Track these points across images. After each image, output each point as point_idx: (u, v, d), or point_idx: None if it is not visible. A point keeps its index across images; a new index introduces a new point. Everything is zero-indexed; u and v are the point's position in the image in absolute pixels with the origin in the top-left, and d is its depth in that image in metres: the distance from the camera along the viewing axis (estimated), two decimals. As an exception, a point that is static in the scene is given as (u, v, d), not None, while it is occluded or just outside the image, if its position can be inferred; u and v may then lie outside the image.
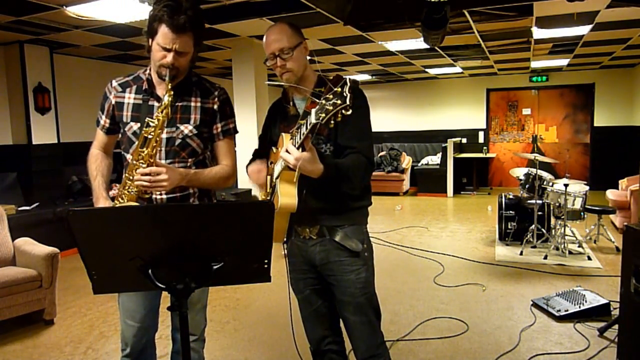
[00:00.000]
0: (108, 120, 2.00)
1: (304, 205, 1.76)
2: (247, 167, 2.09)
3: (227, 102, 2.00)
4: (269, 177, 1.94)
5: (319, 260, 1.89)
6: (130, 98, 1.94)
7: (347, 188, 1.79)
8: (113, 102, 1.96)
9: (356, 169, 1.75)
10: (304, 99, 1.89)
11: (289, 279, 2.04)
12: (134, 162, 1.81)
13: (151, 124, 1.79)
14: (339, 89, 1.43)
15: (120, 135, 2.00)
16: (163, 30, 1.75)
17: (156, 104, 1.89)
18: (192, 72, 1.96)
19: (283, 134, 1.81)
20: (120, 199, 1.86)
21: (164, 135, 1.86)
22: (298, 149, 1.59)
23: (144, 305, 1.99)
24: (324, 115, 1.43)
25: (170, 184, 1.77)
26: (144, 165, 1.77)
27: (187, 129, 1.90)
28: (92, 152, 2.06)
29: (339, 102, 1.41)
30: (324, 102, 1.45)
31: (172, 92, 1.79)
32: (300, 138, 1.58)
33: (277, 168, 1.79)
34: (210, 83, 2.01)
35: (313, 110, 1.48)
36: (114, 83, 1.98)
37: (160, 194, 1.88)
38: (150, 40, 1.82)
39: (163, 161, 1.87)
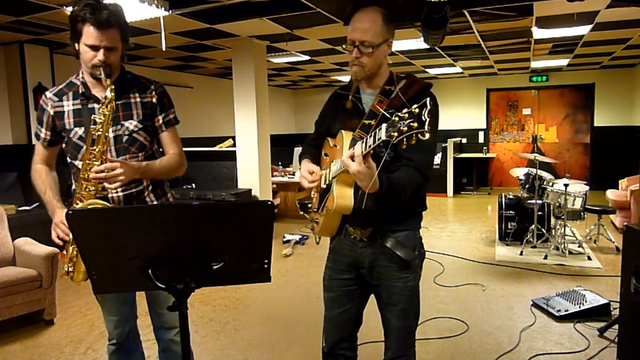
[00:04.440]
0: (49, 133, 2.00)
1: (358, 206, 1.69)
2: (300, 157, 2.04)
3: (165, 94, 2.05)
4: (324, 172, 1.87)
5: (368, 262, 1.84)
6: (69, 105, 1.95)
7: (393, 201, 1.70)
8: (52, 113, 1.96)
9: (408, 187, 1.67)
10: (373, 94, 1.78)
11: (323, 276, 1.99)
12: (87, 161, 1.86)
13: (98, 120, 1.84)
14: (417, 111, 1.31)
15: (64, 145, 2.00)
16: (88, 30, 1.77)
17: (96, 105, 1.92)
18: (125, 70, 1.99)
19: (343, 131, 1.74)
20: (78, 201, 1.90)
21: (111, 134, 1.91)
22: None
23: (118, 298, 2.08)
24: (396, 134, 1.33)
25: (126, 178, 1.83)
26: (97, 163, 1.83)
27: (131, 124, 1.96)
28: (35, 168, 2.07)
29: (415, 125, 1.31)
30: (396, 119, 1.35)
31: (113, 86, 1.83)
32: (365, 148, 1.49)
33: (336, 168, 1.72)
34: (145, 79, 2.05)
35: (384, 126, 1.39)
36: (49, 94, 1.98)
37: (117, 191, 1.93)
38: (76, 45, 1.83)
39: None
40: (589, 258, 4.99)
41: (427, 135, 1.31)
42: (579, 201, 5.07)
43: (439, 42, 4.56)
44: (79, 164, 1.94)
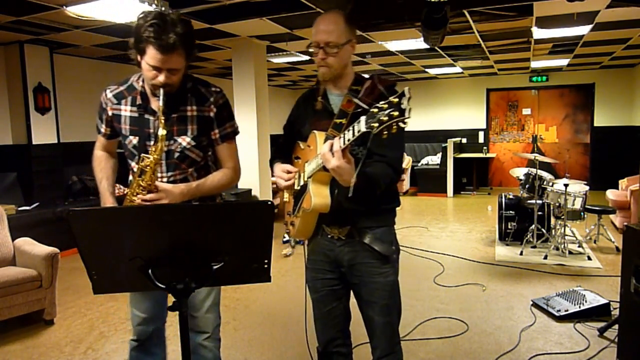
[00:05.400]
0: (109, 129, 2.02)
1: (335, 205, 1.73)
2: (271, 162, 2.05)
3: (225, 106, 1.95)
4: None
5: (347, 260, 1.86)
6: (126, 110, 1.92)
7: (369, 196, 1.74)
8: (110, 114, 1.95)
9: (382, 180, 1.72)
10: (341, 96, 1.81)
11: (306, 277, 2.02)
12: (135, 187, 1.84)
13: (146, 159, 1.81)
14: (396, 100, 1.36)
15: (122, 141, 2.00)
16: (151, 52, 1.68)
17: (151, 118, 1.88)
18: (186, 77, 1.88)
19: (316, 132, 1.75)
20: None
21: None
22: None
23: (149, 296, 2.03)
24: (376, 125, 1.37)
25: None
26: (145, 192, 1.81)
27: (184, 141, 1.88)
28: (95, 154, 2.08)
29: (395, 113, 1.35)
30: (376, 110, 1.39)
31: (165, 131, 1.78)
32: (344, 143, 1.52)
33: (311, 167, 1.73)
34: (206, 87, 1.93)
35: (363, 118, 1.43)
36: (109, 94, 1.95)
37: None
38: (139, 57, 1.75)
39: (164, 174, 1.88)
40: (589, 258, 4.99)
41: (407, 124, 1.37)
42: (579, 201, 5.07)
43: (439, 42, 4.56)
44: (134, 165, 1.94)
